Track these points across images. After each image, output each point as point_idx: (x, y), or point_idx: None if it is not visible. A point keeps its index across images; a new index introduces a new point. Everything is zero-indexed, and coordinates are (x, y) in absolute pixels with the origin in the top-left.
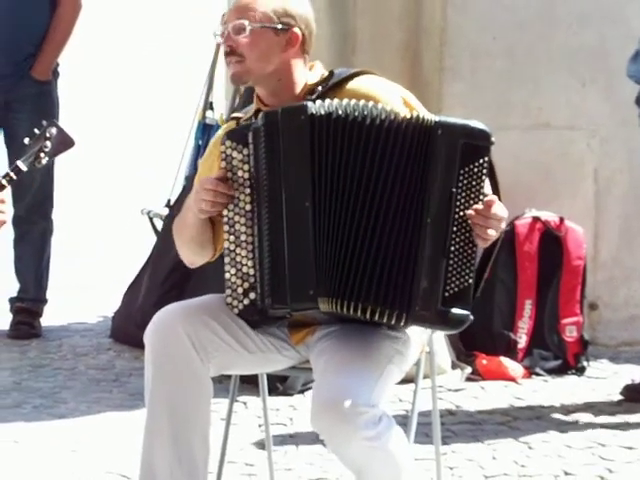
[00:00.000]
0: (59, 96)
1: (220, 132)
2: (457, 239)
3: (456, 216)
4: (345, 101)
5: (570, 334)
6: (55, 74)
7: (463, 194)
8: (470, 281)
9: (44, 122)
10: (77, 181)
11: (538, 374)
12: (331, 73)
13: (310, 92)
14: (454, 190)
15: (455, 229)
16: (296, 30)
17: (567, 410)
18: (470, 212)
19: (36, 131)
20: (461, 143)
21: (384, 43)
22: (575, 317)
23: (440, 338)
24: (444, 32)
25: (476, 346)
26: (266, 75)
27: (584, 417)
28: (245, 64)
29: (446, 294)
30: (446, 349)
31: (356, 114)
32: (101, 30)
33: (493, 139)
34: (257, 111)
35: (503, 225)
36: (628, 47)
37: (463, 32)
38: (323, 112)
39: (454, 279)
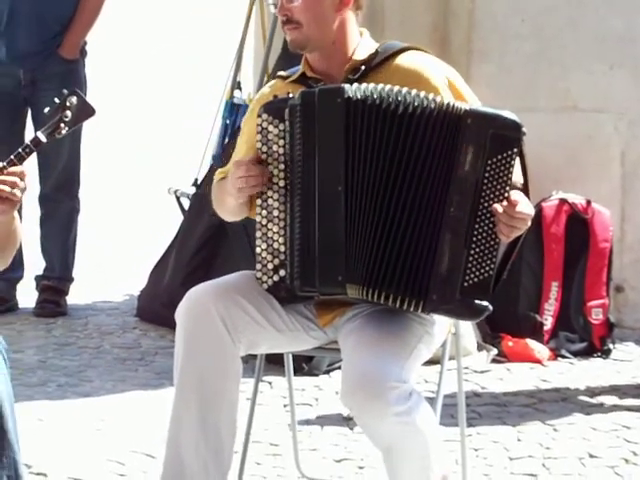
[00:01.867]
0: (86, 74)
1: (266, 89)
2: (480, 230)
3: (481, 207)
4: (381, 86)
5: (596, 316)
6: (83, 53)
7: (489, 185)
8: (491, 272)
9: (64, 91)
10: (104, 160)
11: (564, 356)
12: (376, 52)
13: (354, 70)
14: (480, 180)
15: (479, 220)
16: None
17: (592, 393)
18: (496, 207)
19: (56, 100)
20: (490, 133)
21: (412, 24)
22: (601, 299)
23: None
24: (472, 14)
25: (502, 328)
26: (322, 38)
27: (609, 400)
28: (303, 30)
29: (465, 284)
30: (472, 331)
31: (390, 100)
32: (130, 12)
33: (524, 129)
34: (303, 75)
35: (528, 223)
36: None
37: (491, 14)
38: (359, 96)
39: (474, 270)
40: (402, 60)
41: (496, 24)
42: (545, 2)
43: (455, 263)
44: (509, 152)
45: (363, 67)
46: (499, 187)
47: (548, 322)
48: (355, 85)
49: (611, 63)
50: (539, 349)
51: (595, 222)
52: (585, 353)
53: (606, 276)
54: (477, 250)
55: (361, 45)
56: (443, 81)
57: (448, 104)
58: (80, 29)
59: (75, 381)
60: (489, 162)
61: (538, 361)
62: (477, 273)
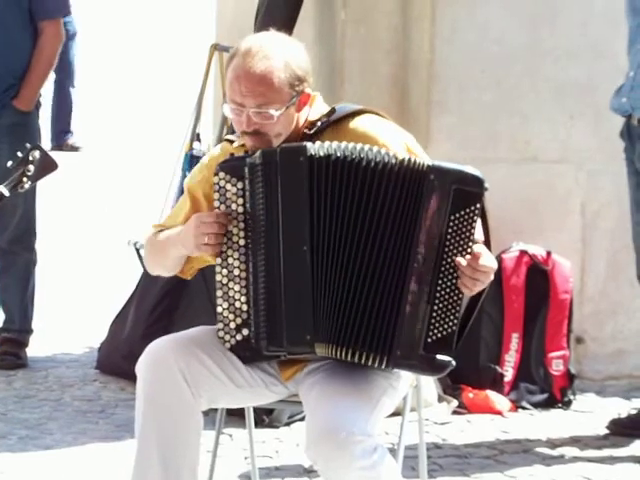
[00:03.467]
0: (40, 126)
1: (215, 151)
2: (443, 285)
3: (444, 262)
4: (344, 143)
5: (557, 368)
6: (37, 104)
7: (452, 240)
8: (454, 328)
9: (27, 145)
10: (63, 212)
11: (524, 408)
12: (332, 110)
13: (310, 127)
14: (443, 236)
15: (442, 275)
16: (307, 90)
17: (553, 444)
18: (459, 260)
19: (19, 154)
20: (453, 189)
21: (372, 76)
22: (562, 351)
23: None
24: (432, 65)
25: (462, 379)
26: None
27: (570, 451)
28: (268, 137)
29: (429, 340)
30: (432, 382)
31: (354, 156)
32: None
33: (487, 185)
34: None
35: (491, 277)
36: (616, 82)
37: (451, 65)
38: (322, 154)
39: (437, 325)
40: (357, 123)
41: (455, 75)
42: (504, 52)
43: (418, 319)
44: (472, 207)
45: (319, 123)
46: (462, 242)
47: (509, 373)
48: (318, 143)
49: (571, 113)
50: (499, 400)
51: (555, 273)
52: (546, 404)
53: (566, 327)
54: (440, 306)
55: (313, 111)
56: (402, 147)
57: (410, 160)
58: (35, 81)
59: (36, 434)
60: (452, 217)
61: (499, 412)
62: (440, 329)
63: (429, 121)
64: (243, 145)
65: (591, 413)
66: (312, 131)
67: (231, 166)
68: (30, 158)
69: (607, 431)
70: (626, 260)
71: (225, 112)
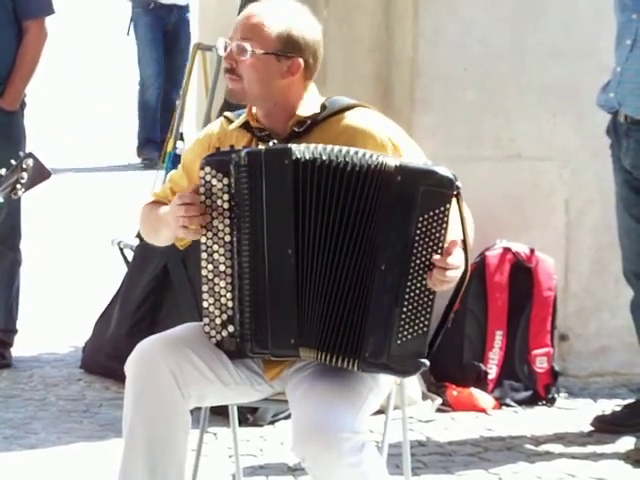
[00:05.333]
0: (25, 126)
1: (214, 129)
2: (413, 287)
3: (412, 264)
4: (329, 146)
5: (541, 365)
6: (22, 104)
7: (421, 242)
8: (425, 329)
9: (21, 153)
10: (47, 211)
11: (508, 405)
12: (323, 106)
13: (299, 124)
14: (412, 237)
15: (411, 277)
16: (299, 59)
17: (537, 441)
18: (434, 258)
19: (13, 162)
20: (421, 190)
21: (355, 74)
22: (546, 348)
23: None
24: (415, 63)
25: (446, 377)
26: (261, 98)
27: (555, 448)
28: (242, 84)
29: (398, 342)
30: (416, 380)
31: (339, 160)
32: (61, 53)
33: (458, 184)
34: (246, 123)
35: (458, 272)
36: (599, 80)
37: (434, 63)
38: (308, 157)
39: (407, 327)
40: (350, 118)
41: (439, 73)
42: (487, 51)
43: (386, 321)
44: (441, 208)
45: (309, 121)
46: (431, 244)
47: (492, 371)
48: (303, 145)
49: (554, 111)
50: (484, 398)
51: (539, 271)
52: (530, 402)
53: (550, 325)
54: (410, 307)
55: (306, 100)
56: (388, 140)
57: (379, 161)
58: (20, 81)
59: (21, 433)
60: (420, 219)
61: (482, 410)
62: (410, 330)
63: (412, 119)
64: (242, 126)
65: (575, 410)
66: (302, 129)
67: (217, 161)
68: (24, 166)
69: (591, 428)
70: (610, 257)
71: (218, 47)
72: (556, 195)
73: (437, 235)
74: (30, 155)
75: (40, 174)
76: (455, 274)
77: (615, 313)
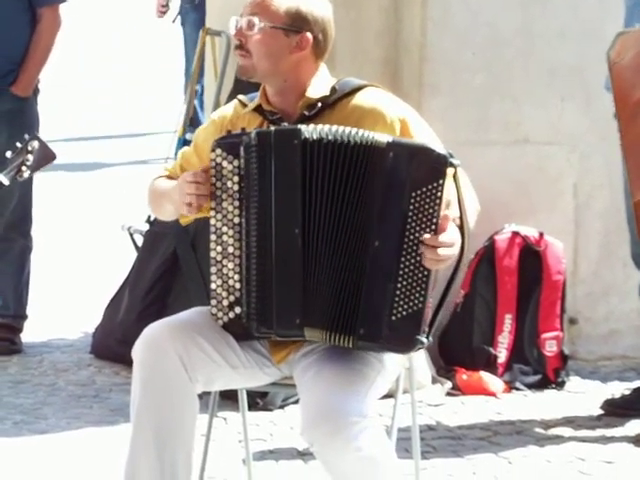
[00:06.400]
0: (38, 113)
1: (228, 111)
2: (407, 263)
3: (406, 240)
4: (335, 127)
5: (550, 349)
6: (35, 90)
7: (415, 217)
8: (420, 306)
9: (26, 136)
10: (57, 197)
11: (518, 389)
12: (333, 89)
13: (309, 107)
14: (405, 213)
15: (405, 253)
16: (307, 34)
17: (547, 425)
18: (424, 237)
19: (18, 145)
20: (413, 166)
21: (364, 59)
22: (555, 332)
23: (420, 353)
24: (423, 48)
25: (456, 361)
26: (271, 74)
27: (564, 432)
28: (251, 60)
29: (393, 318)
30: (426, 364)
31: (345, 140)
32: (75, 45)
33: (454, 161)
34: (259, 107)
35: (454, 250)
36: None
37: (442, 48)
38: (315, 137)
39: (402, 303)
40: (359, 99)
41: (447, 58)
42: (495, 35)
43: (380, 297)
44: (434, 184)
45: (319, 104)
46: (425, 220)
47: (502, 355)
48: (311, 126)
49: (562, 95)
50: (493, 382)
51: (548, 254)
52: (539, 385)
53: (560, 308)
54: (404, 283)
55: (316, 81)
56: (397, 118)
57: (372, 138)
58: (33, 67)
59: (31, 419)
60: (413, 194)
61: (492, 394)
62: (405, 306)
63: (421, 103)
64: (254, 109)
65: (584, 394)
66: (312, 112)
67: (228, 143)
68: (29, 148)
69: (601, 412)
70: (618, 241)
71: (230, 26)
72: (564, 179)
73: (430, 211)
74: (35, 137)
75: (45, 156)
76: (449, 252)
77: (624, 297)
